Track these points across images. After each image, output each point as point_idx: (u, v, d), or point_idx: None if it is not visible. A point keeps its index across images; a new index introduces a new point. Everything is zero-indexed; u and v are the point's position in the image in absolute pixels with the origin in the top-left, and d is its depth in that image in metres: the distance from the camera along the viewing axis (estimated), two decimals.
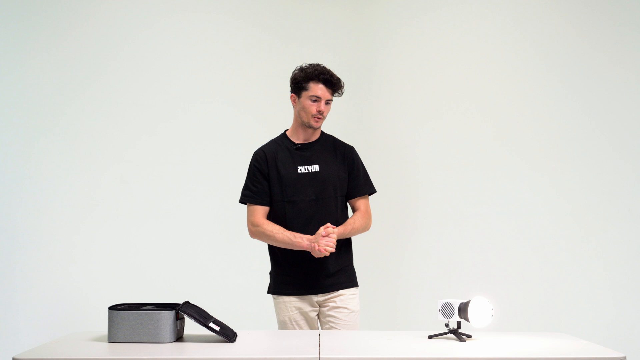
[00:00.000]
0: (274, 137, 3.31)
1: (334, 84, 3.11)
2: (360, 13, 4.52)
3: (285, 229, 3.09)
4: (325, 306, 3.12)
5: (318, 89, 3.09)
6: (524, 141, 4.42)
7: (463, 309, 2.56)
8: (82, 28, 4.42)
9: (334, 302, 3.11)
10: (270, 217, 3.18)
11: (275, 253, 3.16)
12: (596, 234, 4.36)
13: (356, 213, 3.19)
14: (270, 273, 3.23)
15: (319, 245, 2.97)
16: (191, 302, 2.54)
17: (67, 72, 4.39)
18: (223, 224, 4.41)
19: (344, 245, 3.17)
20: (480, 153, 4.43)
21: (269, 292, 3.21)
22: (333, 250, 2.97)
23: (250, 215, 3.19)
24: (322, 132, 3.26)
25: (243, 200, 3.23)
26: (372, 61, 4.50)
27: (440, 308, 2.62)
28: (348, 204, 3.25)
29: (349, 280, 3.17)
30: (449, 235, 4.39)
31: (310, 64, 3.15)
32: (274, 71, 4.49)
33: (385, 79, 4.50)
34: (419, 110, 4.46)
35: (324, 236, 2.97)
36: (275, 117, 4.47)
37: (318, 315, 3.16)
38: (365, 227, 3.18)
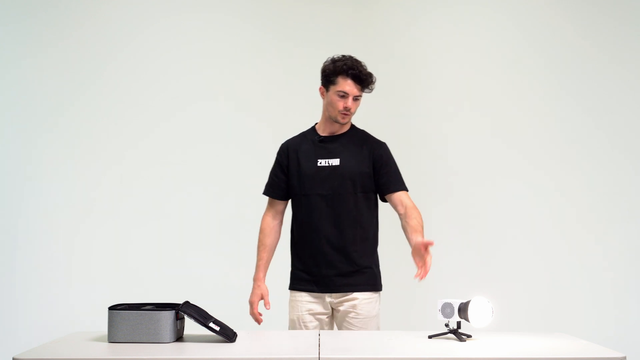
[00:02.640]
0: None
1: (362, 80, 2.96)
2: (362, 13, 4.52)
3: (266, 251, 3.13)
4: (337, 310, 3.04)
5: (346, 84, 2.96)
6: (525, 141, 4.42)
7: (463, 309, 2.56)
8: (82, 28, 4.42)
9: (344, 305, 3.01)
10: (292, 212, 3.13)
11: (295, 246, 3.12)
12: (597, 234, 4.36)
13: (409, 215, 2.94)
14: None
15: (253, 311, 3.08)
16: (191, 302, 2.54)
17: (67, 72, 4.40)
18: (223, 224, 4.41)
19: (366, 245, 3.05)
20: (480, 153, 4.43)
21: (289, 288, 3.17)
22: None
23: (267, 206, 3.20)
24: (352, 126, 3.14)
25: (264, 191, 3.20)
26: (373, 61, 4.49)
27: (440, 308, 2.61)
28: (387, 200, 3.05)
29: (365, 283, 3.03)
30: (449, 235, 4.39)
31: (342, 56, 3.02)
32: (275, 71, 4.49)
33: (386, 78, 4.49)
34: (419, 110, 4.46)
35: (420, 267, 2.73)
36: (276, 117, 4.49)
37: (332, 318, 3.08)
38: (421, 218, 2.97)
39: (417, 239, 2.82)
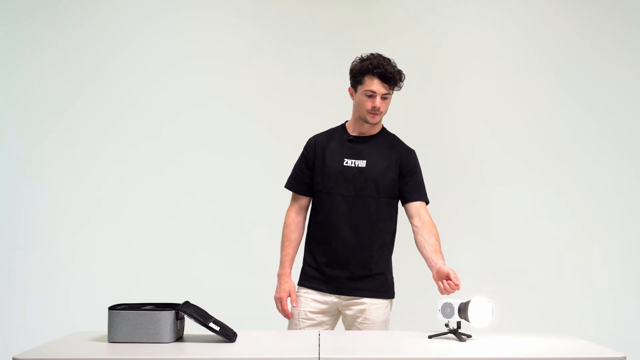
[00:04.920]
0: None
1: (389, 78, 2.90)
2: (362, 13, 4.52)
3: (292, 247, 3.08)
4: (345, 314, 3.02)
5: (373, 84, 2.90)
6: (524, 141, 4.42)
7: (463, 309, 2.56)
8: (82, 28, 4.42)
9: (352, 310, 2.98)
10: (311, 208, 3.11)
11: (310, 243, 3.08)
12: (596, 233, 4.36)
13: (425, 230, 2.94)
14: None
15: (283, 307, 3.02)
16: (191, 302, 2.54)
17: (67, 72, 4.40)
18: (223, 224, 4.41)
19: (382, 251, 3.02)
20: (480, 153, 4.43)
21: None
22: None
23: (290, 200, 3.15)
24: (383, 128, 3.10)
25: (286, 184, 3.16)
26: None
27: (440, 308, 2.61)
28: (405, 208, 3.04)
29: (376, 289, 2.99)
30: (449, 235, 4.38)
31: (371, 55, 2.96)
32: (276, 72, 4.49)
33: None
34: (419, 110, 4.46)
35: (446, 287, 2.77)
36: (276, 117, 4.49)
37: (335, 320, 3.07)
38: (438, 235, 2.97)
39: (439, 264, 2.83)
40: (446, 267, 2.80)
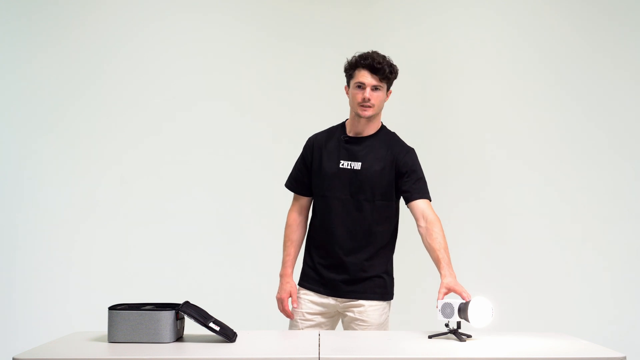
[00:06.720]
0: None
1: (377, 69, 2.86)
2: (362, 13, 4.53)
3: (293, 247, 3.08)
4: (344, 315, 3.01)
5: (361, 75, 2.89)
6: (524, 141, 4.43)
7: (463, 309, 2.56)
8: (81, 28, 4.42)
9: (352, 312, 2.97)
10: (312, 209, 3.10)
11: (309, 244, 3.07)
12: (596, 234, 4.36)
13: (430, 234, 2.83)
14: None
15: (284, 307, 3.03)
16: (191, 302, 2.54)
17: (67, 72, 4.40)
18: (223, 224, 4.41)
19: (379, 254, 2.99)
20: (480, 153, 4.43)
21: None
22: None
23: (292, 200, 3.14)
24: (382, 127, 3.04)
25: (286, 182, 3.15)
26: None
27: (440, 308, 2.61)
28: (409, 208, 2.94)
29: (372, 291, 2.97)
30: (449, 235, 4.36)
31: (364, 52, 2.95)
32: (275, 71, 4.49)
33: None
34: (418, 110, 4.46)
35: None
36: (276, 117, 4.49)
37: (334, 321, 3.06)
38: (443, 235, 2.86)
39: (447, 280, 2.70)
40: (458, 286, 2.67)
